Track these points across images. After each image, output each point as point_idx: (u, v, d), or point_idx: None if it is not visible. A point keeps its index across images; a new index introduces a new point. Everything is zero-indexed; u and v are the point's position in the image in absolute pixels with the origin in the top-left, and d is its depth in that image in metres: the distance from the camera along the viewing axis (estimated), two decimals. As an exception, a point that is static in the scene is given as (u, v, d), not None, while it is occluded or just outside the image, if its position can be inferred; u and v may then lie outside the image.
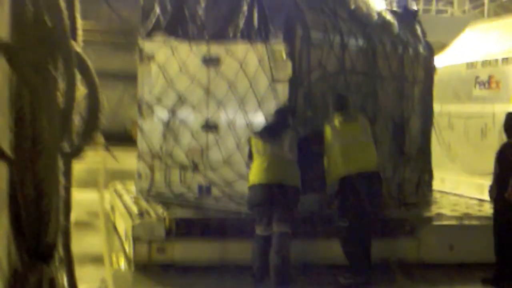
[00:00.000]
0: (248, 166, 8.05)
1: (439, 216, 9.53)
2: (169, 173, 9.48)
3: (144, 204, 9.19)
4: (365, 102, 9.28)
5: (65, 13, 2.05)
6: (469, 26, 13.14)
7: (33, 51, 1.97)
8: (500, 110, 10.86)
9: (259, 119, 8.52)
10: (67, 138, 2.20)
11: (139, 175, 9.92)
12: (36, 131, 1.94)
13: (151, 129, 9.75)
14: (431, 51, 10.72)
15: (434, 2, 21.24)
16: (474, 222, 9.46)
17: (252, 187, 7.78)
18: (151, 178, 9.68)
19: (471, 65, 11.73)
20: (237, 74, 8.75)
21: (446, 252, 8.88)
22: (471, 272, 8.70)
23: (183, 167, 9.30)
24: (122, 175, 13.20)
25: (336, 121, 8.00)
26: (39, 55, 1.98)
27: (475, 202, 10.72)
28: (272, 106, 8.45)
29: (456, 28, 15.11)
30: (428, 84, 10.68)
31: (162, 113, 9.56)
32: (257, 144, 7.84)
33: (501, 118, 10.77)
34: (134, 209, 8.80)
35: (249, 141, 8.03)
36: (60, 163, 2.12)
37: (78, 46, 2.21)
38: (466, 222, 9.51)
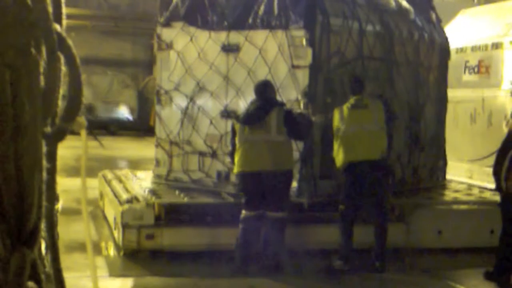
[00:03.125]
0: (231, 152, 8.00)
1: (427, 201, 9.56)
2: (187, 160, 9.55)
3: (133, 190, 9.18)
4: (382, 88, 9.31)
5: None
6: (461, 12, 13.15)
7: (15, 32, 1.94)
8: (489, 95, 10.89)
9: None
10: (51, 121, 2.17)
11: (157, 162, 10.00)
12: (18, 113, 1.92)
13: (169, 116, 9.79)
14: (445, 38, 10.75)
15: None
16: (463, 207, 9.50)
17: (240, 175, 7.79)
18: (169, 164, 9.75)
19: (460, 50, 11.74)
20: (257, 61, 8.77)
21: (434, 237, 8.93)
22: (459, 257, 8.76)
23: (201, 154, 9.37)
24: (113, 162, 13.16)
25: (345, 107, 7.99)
26: (21, 37, 1.96)
27: (464, 186, 10.76)
28: (291, 92, 8.49)
29: (447, 13, 15.09)
30: (443, 71, 10.75)
31: (180, 100, 9.59)
32: (243, 130, 7.72)
33: (490, 103, 10.83)
34: (123, 196, 8.78)
35: (232, 126, 7.96)
36: (44, 147, 2.10)
37: (61, 29, 2.18)
38: (454, 207, 9.55)
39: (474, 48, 11.36)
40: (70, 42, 2.12)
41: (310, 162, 8.44)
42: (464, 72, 11.33)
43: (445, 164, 10.88)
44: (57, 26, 2.10)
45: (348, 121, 7.92)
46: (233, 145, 7.88)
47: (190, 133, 9.47)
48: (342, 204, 7.97)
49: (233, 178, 8.90)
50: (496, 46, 10.92)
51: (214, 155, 9.20)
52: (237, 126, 7.81)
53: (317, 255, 8.25)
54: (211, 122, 9.21)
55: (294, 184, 8.26)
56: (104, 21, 32.38)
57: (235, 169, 7.83)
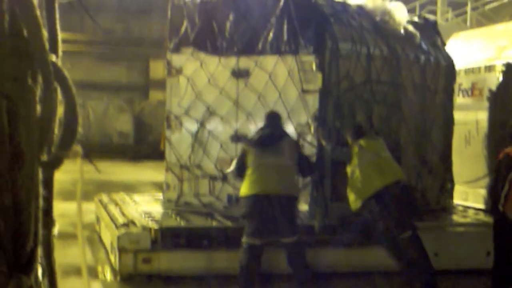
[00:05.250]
0: (238, 176, 7.93)
1: (423, 223, 9.55)
2: (198, 184, 9.59)
3: (129, 214, 9.18)
4: (390, 111, 9.40)
5: (42, 24, 2.07)
6: (454, 35, 13.23)
7: (11, 63, 1.98)
8: (483, 117, 10.94)
9: (289, 130, 8.47)
10: (47, 149, 2.21)
11: (167, 186, 10.03)
12: (14, 142, 1.95)
13: (179, 140, 9.83)
14: (450, 61, 10.84)
15: (417, 11, 21.38)
16: (459, 229, 9.51)
17: (250, 197, 7.57)
18: (179, 189, 9.78)
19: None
20: (266, 86, 8.86)
21: (431, 260, 8.91)
22: (456, 279, 8.75)
23: (212, 178, 9.41)
24: (110, 186, 13.13)
25: (361, 141, 7.88)
26: (18, 67, 2.00)
27: (460, 209, 10.77)
28: (302, 117, 8.59)
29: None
30: (449, 94, 10.82)
31: (190, 125, 9.65)
32: (255, 154, 7.66)
33: (484, 125, 10.88)
34: (119, 220, 8.78)
35: (243, 150, 7.88)
36: (40, 174, 2.13)
37: (57, 58, 2.22)
38: (450, 229, 9.57)
39: (467, 71, 11.43)
40: (65, 72, 2.17)
41: (322, 184, 8.49)
42: (458, 95, 11.38)
43: (452, 186, 10.87)
44: (53, 56, 2.15)
45: (371, 150, 7.83)
46: (240, 165, 7.78)
47: (201, 157, 9.53)
48: (385, 230, 7.73)
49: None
50: (489, 69, 10.99)
51: (224, 179, 9.24)
52: (249, 149, 7.76)
53: (330, 278, 8.25)
54: (221, 146, 9.27)
55: (306, 207, 8.31)
56: (100, 46, 32.48)
57: (246, 192, 7.61)
